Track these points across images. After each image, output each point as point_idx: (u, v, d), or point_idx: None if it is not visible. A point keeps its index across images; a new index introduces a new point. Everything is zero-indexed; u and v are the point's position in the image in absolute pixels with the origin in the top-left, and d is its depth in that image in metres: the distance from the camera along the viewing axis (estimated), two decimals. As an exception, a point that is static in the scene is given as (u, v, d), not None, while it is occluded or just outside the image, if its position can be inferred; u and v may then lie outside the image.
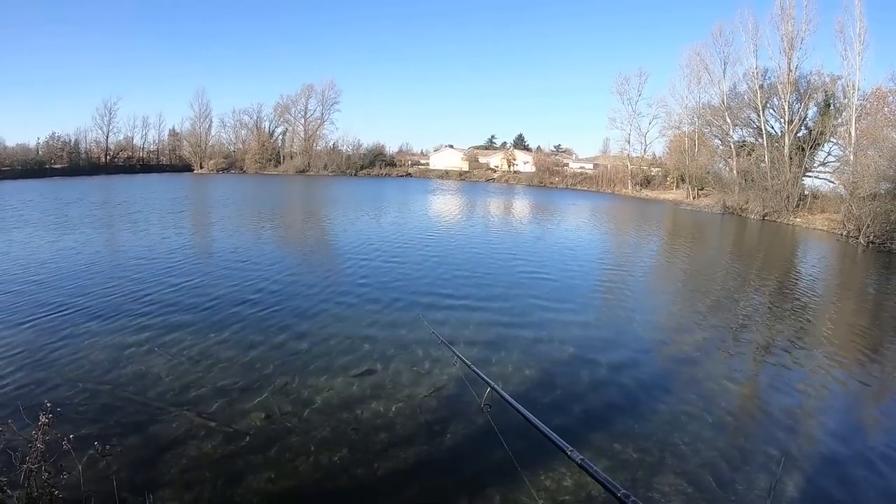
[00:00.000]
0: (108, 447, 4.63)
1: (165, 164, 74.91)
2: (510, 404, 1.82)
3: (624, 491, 0.95)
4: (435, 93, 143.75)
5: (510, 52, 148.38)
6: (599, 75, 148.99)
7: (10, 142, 60.60)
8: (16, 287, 11.51)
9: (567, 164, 79.80)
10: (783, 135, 41.26)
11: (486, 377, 2.32)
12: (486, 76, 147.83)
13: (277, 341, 8.80)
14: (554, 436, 1.37)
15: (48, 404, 3.67)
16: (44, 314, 9.69)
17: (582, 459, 1.16)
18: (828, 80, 39.47)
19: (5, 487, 3.50)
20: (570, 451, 1.24)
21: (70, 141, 63.62)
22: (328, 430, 6.13)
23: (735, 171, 44.21)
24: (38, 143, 61.06)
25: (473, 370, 2.69)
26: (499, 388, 2.11)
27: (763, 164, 40.94)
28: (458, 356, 3.13)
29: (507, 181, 74.51)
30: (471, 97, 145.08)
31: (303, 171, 74.98)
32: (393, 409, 6.73)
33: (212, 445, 5.68)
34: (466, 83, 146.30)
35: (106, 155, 68.29)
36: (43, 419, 3.49)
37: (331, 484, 5.19)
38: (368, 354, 8.44)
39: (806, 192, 39.20)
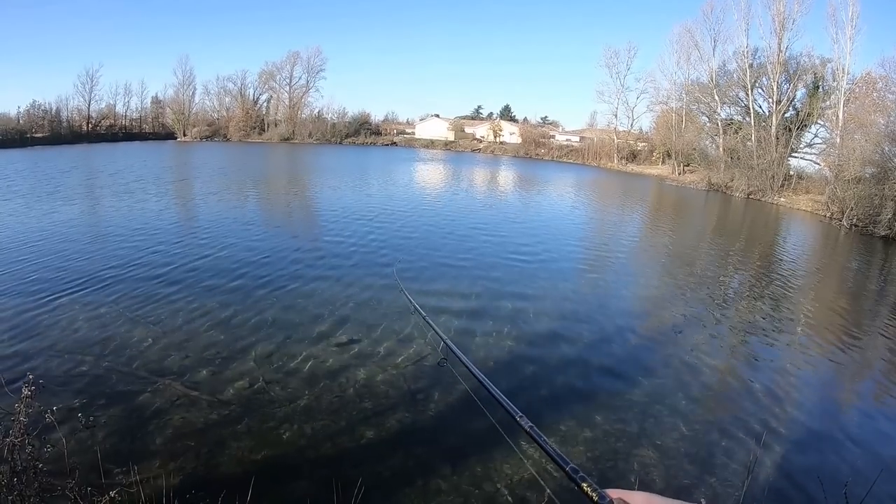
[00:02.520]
0: (91, 419, 4.64)
1: (148, 132, 72.82)
2: (462, 362, 1.81)
3: (573, 465, 0.94)
4: (421, 61, 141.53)
5: (497, 19, 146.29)
6: (589, 45, 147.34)
7: (-10, 111, 58.63)
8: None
9: (553, 137, 79.48)
10: (771, 115, 41.42)
11: (440, 332, 2.30)
12: (473, 42, 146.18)
13: (261, 310, 8.80)
14: (504, 399, 1.35)
15: (31, 376, 3.63)
16: (25, 284, 9.56)
17: (531, 427, 1.15)
18: (818, 62, 39.58)
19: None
20: (520, 416, 1.23)
21: (51, 109, 61.26)
22: (312, 399, 6.19)
23: (721, 149, 44.43)
24: (19, 112, 58.94)
25: (430, 324, 2.66)
26: (452, 345, 2.09)
27: (749, 143, 41.17)
28: (416, 308, 3.09)
29: (492, 152, 73.95)
30: (457, 63, 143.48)
31: (287, 140, 73.75)
32: (376, 377, 6.81)
33: (196, 415, 5.71)
34: (453, 50, 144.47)
35: (88, 123, 66.07)
36: (26, 392, 3.45)
37: (315, 452, 5.26)
38: (351, 324, 8.49)
39: (791, 173, 39.61)
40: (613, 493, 0.80)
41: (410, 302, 3.32)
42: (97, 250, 12.06)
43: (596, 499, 0.82)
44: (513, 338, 8.42)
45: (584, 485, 0.87)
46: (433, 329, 2.49)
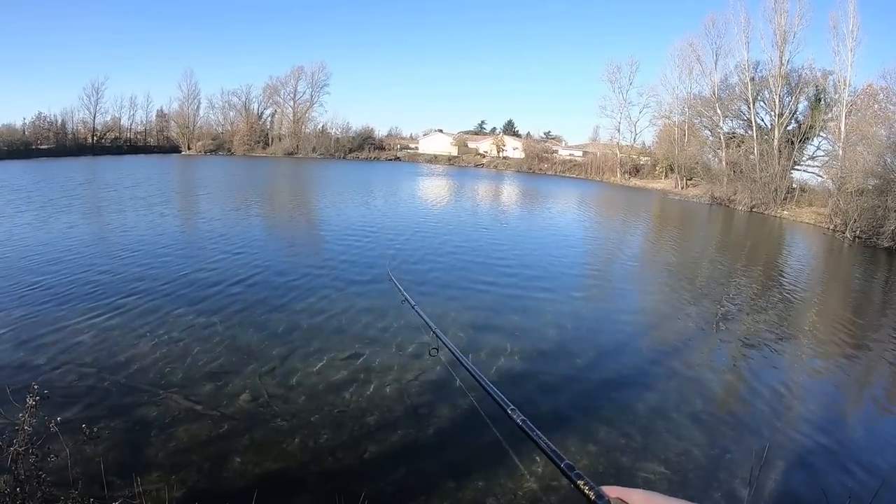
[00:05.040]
0: (95, 430, 4.63)
1: (153, 145, 73.15)
2: (454, 354, 1.79)
3: (567, 461, 0.94)
4: (425, 77, 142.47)
5: (501, 35, 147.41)
6: (592, 59, 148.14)
7: (-4, 122, 59.08)
8: (2, 269, 11.37)
9: (556, 151, 79.74)
10: (773, 128, 41.57)
11: (433, 325, 2.30)
12: (476, 57, 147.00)
13: (264, 325, 8.80)
14: (494, 391, 1.35)
15: (35, 387, 3.64)
16: (31, 295, 9.59)
17: (523, 420, 1.15)
18: (819, 74, 39.80)
19: (-8, 471, 3.50)
20: (511, 409, 1.23)
21: (57, 121, 61.81)
22: (315, 413, 6.17)
23: (724, 163, 44.56)
24: (25, 124, 59.48)
25: (423, 318, 2.65)
26: (444, 338, 2.08)
27: (752, 157, 41.27)
28: (409, 302, 3.07)
29: (496, 167, 74.19)
30: (461, 79, 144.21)
31: (291, 154, 74.04)
32: (379, 392, 6.78)
33: (199, 428, 5.70)
34: (456, 66, 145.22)
35: (93, 135, 66.44)
36: (30, 402, 3.46)
37: (317, 467, 5.24)
38: (355, 339, 8.46)
39: (794, 186, 39.67)
40: (611, 490, 0.77)
41: (401, 292, 3.31)
42: (104, 263, 12.08)
43: (593, 497, 0.79)
44: (515, 351, 8.40)
45: (580, 482, 0.85)
46: (424, 320, 2.47)
